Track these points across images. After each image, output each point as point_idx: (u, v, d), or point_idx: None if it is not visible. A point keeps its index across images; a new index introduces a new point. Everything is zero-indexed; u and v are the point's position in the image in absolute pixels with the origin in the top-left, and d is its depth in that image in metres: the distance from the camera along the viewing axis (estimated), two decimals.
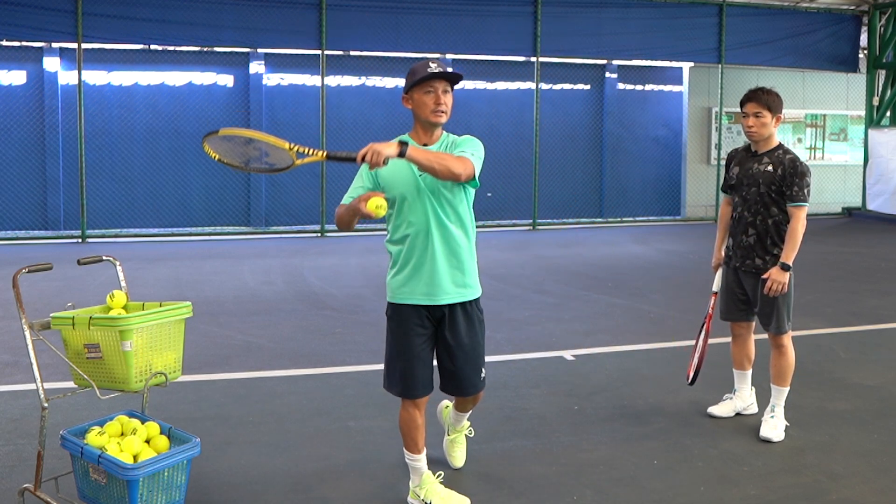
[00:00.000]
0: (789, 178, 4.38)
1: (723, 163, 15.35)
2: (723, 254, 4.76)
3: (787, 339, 4.56)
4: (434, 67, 3.42)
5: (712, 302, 4.82)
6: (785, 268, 4.37)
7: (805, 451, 4.36)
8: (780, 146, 4.53)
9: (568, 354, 6.24)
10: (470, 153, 3.44)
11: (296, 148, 3.27)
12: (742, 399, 4.85)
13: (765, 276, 4.41)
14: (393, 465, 4.12)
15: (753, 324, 4.77)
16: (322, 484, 3.91)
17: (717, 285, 4.79)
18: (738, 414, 4.84)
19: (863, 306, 8.13)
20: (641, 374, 5.74)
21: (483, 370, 3.71)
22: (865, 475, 4.04)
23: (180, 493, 3.41)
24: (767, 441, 4.45)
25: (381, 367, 3.81)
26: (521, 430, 4.62)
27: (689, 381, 4.77)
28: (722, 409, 4.84)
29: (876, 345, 6.65)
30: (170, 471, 3.34)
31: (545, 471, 4.07)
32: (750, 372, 4.85)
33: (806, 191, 4.38)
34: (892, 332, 7.12)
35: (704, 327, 4.76)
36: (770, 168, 4.44)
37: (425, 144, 3.53)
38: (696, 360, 4.73)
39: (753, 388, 4.92)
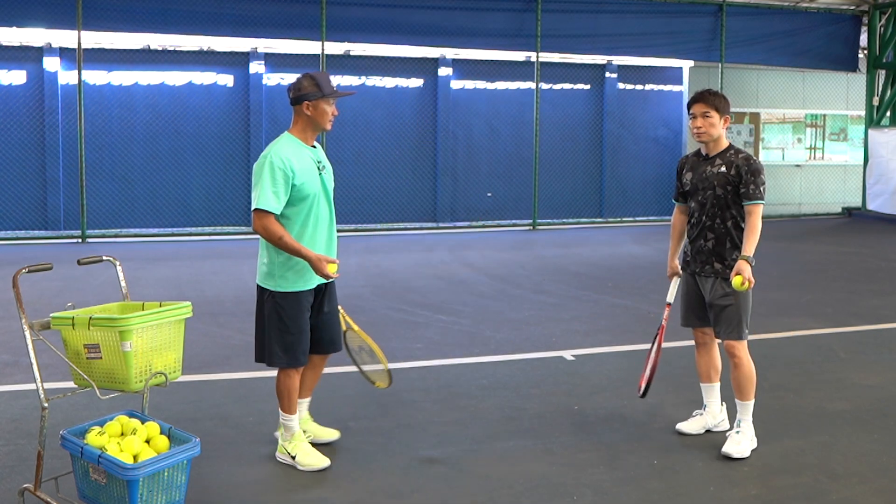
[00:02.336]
0: (745, 176, 4.29)
1: None
2: (677, 263, 4.66)
3: (743, 350, 4.35)
4: (334, 86, 4.06)
5: (666, 314, 4.68)
6: (748, 261, 4.20)
7: (805, 451, 4.36)
8: (731, 147, 4.45)
9: (568, 354, 6.24)
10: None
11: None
12: (712, 415, 4.60)
13: (732, 274, 4.21)
14: (393, 465, 4.12)
15: None
16: (322, 484, 3.92)
17: (671, 296, 4.64)
18: (708, 431, 4.58)
19: (863, 306, 8.13)
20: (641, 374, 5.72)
21: None
22: (865, 475, 4.04)
23: (180, 493, 3.41)
24: (728, 458, 4.22)
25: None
26: (521, 430, 4.63)
27: (641, 393, 4.62)
28: (691, 425, 4.60)
29: (876, 345, 6.65)
30: (170, 471, 3.34)
31: (545, 471, 4.07)
32: (718, 385, 4.62)
33: (762, 188, 4.29)
34: (892, 332, 7.12)
35: (657, 340, 4.63)
36: (723, 169, 4.36)
37: (313, 146, 4.22)
38: (647, 373, 4.59)
39: (724, 404, 4.67)
